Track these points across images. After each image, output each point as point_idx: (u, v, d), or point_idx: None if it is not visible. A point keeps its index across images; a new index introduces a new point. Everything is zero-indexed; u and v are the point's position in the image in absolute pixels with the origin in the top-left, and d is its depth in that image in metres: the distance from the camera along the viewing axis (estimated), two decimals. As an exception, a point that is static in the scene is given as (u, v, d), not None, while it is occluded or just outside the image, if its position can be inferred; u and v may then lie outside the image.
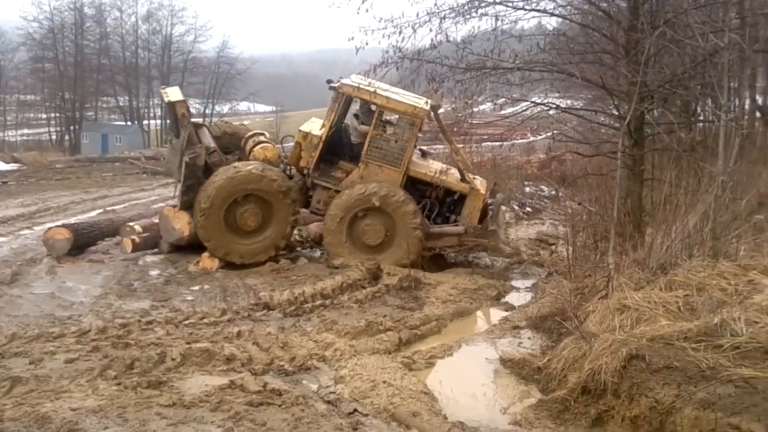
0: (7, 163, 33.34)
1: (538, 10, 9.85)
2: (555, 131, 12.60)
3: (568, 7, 10.52)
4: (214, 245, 12.03)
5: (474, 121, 11.40)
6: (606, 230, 12.31)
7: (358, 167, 12.71)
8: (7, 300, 9.91)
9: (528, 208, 22.89)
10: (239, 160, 12.88)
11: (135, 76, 60.18)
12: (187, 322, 8.69)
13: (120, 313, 9.29)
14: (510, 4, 9.95)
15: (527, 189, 25.98)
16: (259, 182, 12.04)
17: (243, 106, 70.89)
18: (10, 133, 59.64)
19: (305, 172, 12.93)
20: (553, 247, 15.98)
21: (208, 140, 12.93)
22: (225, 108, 66.15)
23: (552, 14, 10.06)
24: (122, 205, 20.13)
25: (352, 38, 9.71)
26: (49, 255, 12.46)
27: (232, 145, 13.61)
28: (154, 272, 11.73)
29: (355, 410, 6.01)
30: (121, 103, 62.24)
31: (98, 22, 59.74)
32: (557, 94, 12.08)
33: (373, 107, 12.56)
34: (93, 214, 17.94)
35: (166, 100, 12.78)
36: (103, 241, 13.68)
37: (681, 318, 6.49)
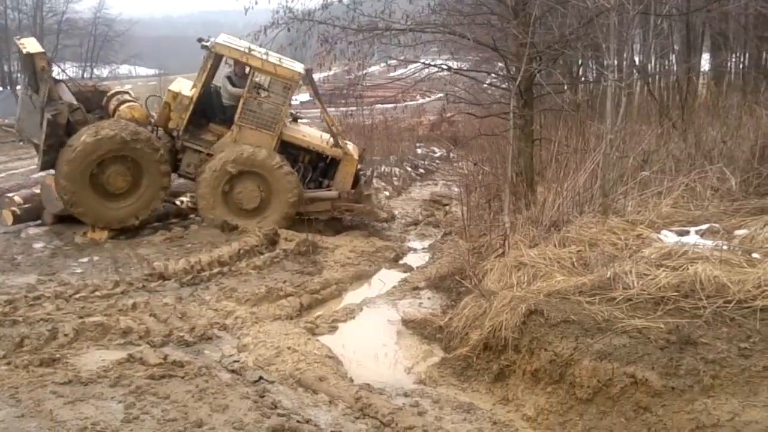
0: None
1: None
2: (446, 93, 12.68)
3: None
4: (82, 210, 11.45)
5: (367, 84, 11.31)
6: (499, 190, 12.65)
7: (231, 130, 12.35)
8: None
9: (421, 170, 23.10)
10: (101, 119, 12.21)
11: (5, 39, 56.43)
12: (78, 296, 8.33)
13: (4, 288, 8.81)
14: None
15: (419, 150, 26.20)
16: (129, 143, 11.39)
17: (124, 69, 67.98)
18: None
19: (174, 133, 12.44)
20: (447, 207, 16.26)
21: (69, 97, 12.07)
22: (105, 72, 63.23)
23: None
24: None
25: (240, -2, 9.42)
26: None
27: (92, 103, 12.80)
28: (38, 245, 11.15)
29: (261, 378, 5.96)
30: (-9, 67, 58.53)
31: (-39, -20, 55.76)
32: (447, 56, 12.19)
33: (248, 69, 12.24)
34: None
35: (24, 51, 11.72)
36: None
37: (575, 273, 6.71)
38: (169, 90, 12.67)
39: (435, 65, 10.45)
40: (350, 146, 13.58)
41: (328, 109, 12.82)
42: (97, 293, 8.48)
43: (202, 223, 12.15)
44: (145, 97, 13.78)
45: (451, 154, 26.10)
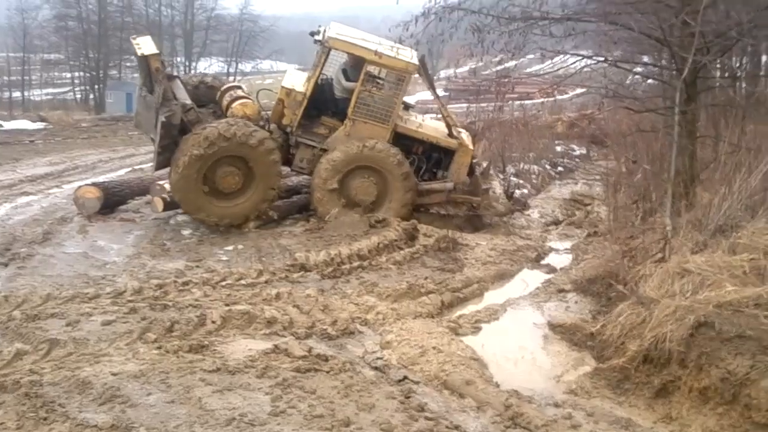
0: (34, 122, 33.16)
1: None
2: (597, 87, 12.06)
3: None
4: (191, 207, 11.52)
5: (515, 78, 10.90)
6: (647, 190, 11.99)
7: (344, 124, 12.22)
8: (40, 259, 9.73)
9: (560, 168, 22.36)
10: (214, 114, 12.38)
11: (158, 34, 59.34)
12: (224, 283, 8.46)
13: (154, 273, 9.07)
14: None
15: (558, 148, 25.40)
16: (242, 145, 11.34)
17: (266, 64, 70.09)
18: (35, 92, 59.60)
19: (288, 129, 12.41)
20: (589, 207, 15.61)
21: (184, 95, 12.12)
22: (248, 66, 65.56)
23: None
24: (150, 164, 19.87)
25: (392, -12, 9.27)
26: (79, 214, 12.25)
27: (208, 97, 13.02)
28: (186, 232, 11.50)
29: (406, 377, 5.77)
30: (144, 62, 61.81)
31: (121, -21, 59.17)
32: (590, 50, 11.52)
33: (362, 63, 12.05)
34: (122, 172, 17.71)
35: (138, 53, 11.83)
36: (133, 200, 13.43)
37: (748, 283, 6.12)
38: (282, 86, 12.62)
39: (593, 56, 9.90)
40: (464, 135, 13.22)
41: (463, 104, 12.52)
42: (242, 281, 8.58)
43: (337, 218, 12.06)
44: (257, 91, 13.78)
45: (591, 153, 25.26)
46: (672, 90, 10.25)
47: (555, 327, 7.56)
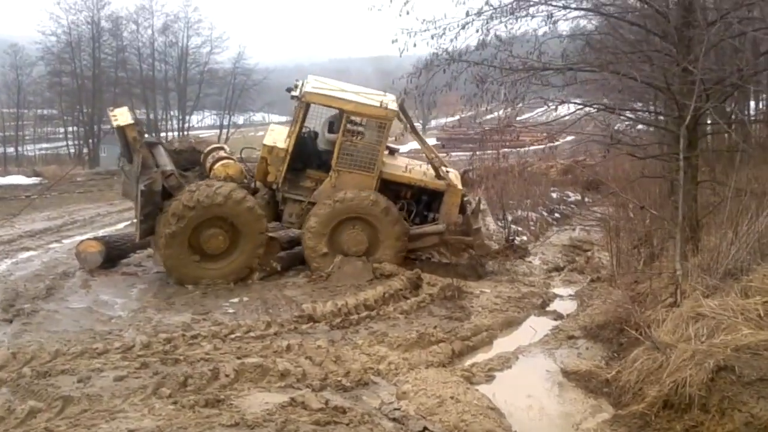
0: (29, 177, 33.26)
1: (593, 10, 9.51)
2: (597, 135, 12.17)
3: (616, 5, 10.19)
4: (189, 280, 11.35)
5: (519, 126, 11.02)
6: (648, 234, 12.05)
7: (329, 176, 12.21)
8: (45, 315, 9.66)
9: (556, 214, 22.49)
10: (200, 176, 12.26)
11: (152, 89, 60.13)
12: (233, 336, 8.43)
13: (161, 327, 9.01)
14: (558, 3, 9.61)
15: (553, 195, 25.58)
16: (211, 207, 11.25)
17: (258, 116, 70.70)
18: (28, 148, 59.77)
19: (274, 186, 12.41)
20: (589, 253, 15.66)
21: (165, 161, 11.97)
22: (241, 119, 66.07)
23: (605, 14, 9.71)
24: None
25: (395, 41, 9.43)
26: (81, 268, 12.20)
27: (192, 161, 12.96)
28: (190, 285, 11.44)
29: (425, 428, 5.72)
30: (138, 116, 62.19)
31: (115, 36, 59.65)
32: (583, 98, 11.66)
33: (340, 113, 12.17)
34: (120, 226, 17.67)
35: (114, 124, 11.76)
36: (134, 254, 13.40)
37: (764, 326, 6.13)
38: (264, 144, 12.64)
39: (593, 104, 10.04)
40: (452, 174, 13.24)
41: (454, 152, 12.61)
42: (251, 334, 8.54)
43: (341, 267, 12.01)
44: (240, 149, 13.75)
45: (586, 199, 25.45)
46: (670, 136, 10.41)
47: (569, 374, 7.53)
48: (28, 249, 14.51)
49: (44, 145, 60.15)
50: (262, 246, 11.74)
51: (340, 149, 12.10)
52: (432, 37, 9.35)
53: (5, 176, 33.39)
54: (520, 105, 9.95)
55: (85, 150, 55.00)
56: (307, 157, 12.65)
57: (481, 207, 14.52)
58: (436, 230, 12.65)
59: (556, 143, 32.06)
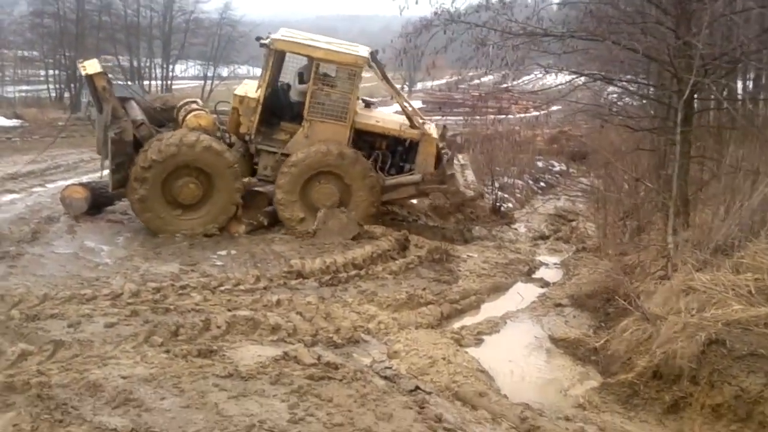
0: (9, 119, 32.71)
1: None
2: (591, 105, 12.13)
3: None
4: (154, 222, 11.32)
5: (516, 92, 10.94)
6: (635, 207, 12.10)
7: (302, 127, 12.06)
8: (30, 259, 9.56)
9: (542, 183, 22.56)
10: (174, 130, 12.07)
11: (136, 35, 58.86)
12: (222, 288, 8.40)
13: (149, 276, 8.97)
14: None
15: (539, 164, 25.62)
16: (192, 152, 11.22)
17: (243, 69, 69.85)
18: (8, 89, 58.65)
19: (246, 138, 12.24)
20: (574, 223, 15.74)
21: (136, 113, 11.91)
22: (225, 71, 65.17)
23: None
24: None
25: (395, -2, 9.28)
26: (66, 214, 12.06)
27: (166, 117, 12.74)
28: (177, 235, 11.35)
29: (417, 387, 5.73)
30: (122, 62, 61.26)
31: (100, -22, 58.64)
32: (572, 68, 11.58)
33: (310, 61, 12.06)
34: (105, 173, 17.44)
35: (83, 73, 11.65)
36: (120, 202, 13.23)
37: (755, 303, 6.19)
38: (235, 94, 12.49)
39: (590, 74, 9.99)
40: (430, 127, 13.10)
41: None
42: (241, 287, 8.52)
43: (325, 222, 11.91)
44: (215, 103, 13.60)
45: (571, 169, 25.52)
46: (663, 109, 10.41)
47: (557, 341, 7.61)
48: (11, 192, 14.30)
49: (24, 87, 58.92)
50: (238, 192, 11.60)
51: (312, 98, 11.92)
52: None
53: (-15, 117, 32.81)
54: (520, 69, 9.86)
55: (67, 94, 54.10)
56: (280, 108, 12.53)
57: (462, 161, 14.37)
58: (412, 180, 12.45)
59: (551, 110, 32.15)
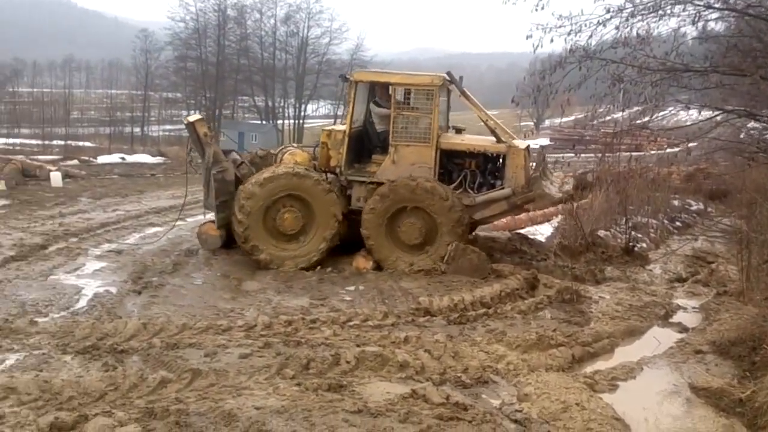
0: (153, 156, 34.79)
1: (740, 11, 8.99)
2: (727, 141, 11.59)
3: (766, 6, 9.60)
4: (258, 250, 11.70)
5: (654, 129, 10.59)
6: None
7: (388, 153, 12.13)
8: (170, 289, 10.08)
9: (677, 223, 21.63)
10: None
11: (272, 77, 61.81)
12: (351, 323, 8.49)
13: (281, 309, 9.23)
14: (701, 3, 9.16)
15: (675, 203, 24.61)
16: (292, 181, 11.74)
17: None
18: (153, 128, 62.61)
19: (337, 170, 12.45)
20: (713, 265, 14.96)
21: (237, 158, 12.88)
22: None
23: (754, 15, 9.16)
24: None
25: (530, 36, 9.22)
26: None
27: (266, 164, 13.22)
28: (308, 272, 11.60)
29: (549, 433, 5.54)
30: (257, 103, 64.08)
31: (239, 24, 61.79)
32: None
33: (389, 88, 12.35)
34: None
35: (185, 121, 12.74)
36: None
37: None
38: (323, 129, 12.99)
39: (734, 110, 9.55)
40: (516, 142, 12.78)
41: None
42: (369, 323, 8.59)
43: (455, 259, 11.80)
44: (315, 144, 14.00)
45: (709, 208, 24.37)
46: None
47: (697, 390, 7.16)
48: (154, 225, 15.15)
49: (167, 127, 62.89)
50: (336, 222, 11.86)
51: (394, 123, 12.09)
52: (568, 34, 9.10)
53: (132, 154, 35.01)
54: (658, 105, 9.54)
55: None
56: (370, 143, 12.82)
57: (549, 165, 13.98)
58: (502, 195, 12.25)
59: (689, 146, 30.95)
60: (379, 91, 12.80)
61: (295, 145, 14.14)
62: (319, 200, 11.79)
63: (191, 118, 12.58)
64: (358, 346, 7.45)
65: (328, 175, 12.66)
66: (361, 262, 11.82)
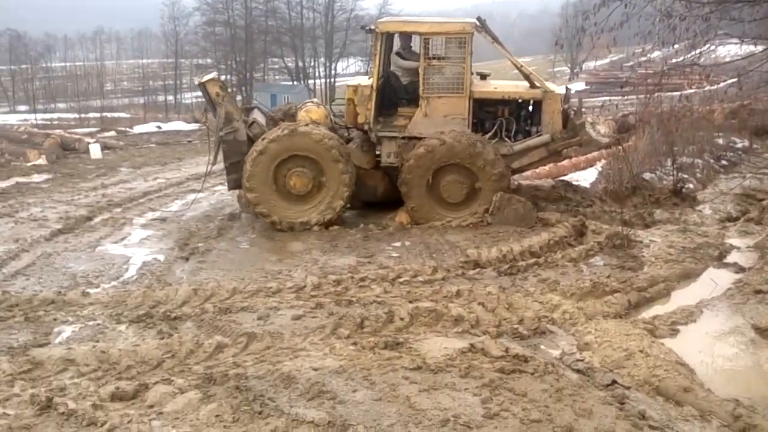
0: (188, 123, 34.84)
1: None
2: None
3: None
4: (266, 209, 11.40)
5: (706, 65, 10.19)
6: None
7: (419, 106, 11.72)
8: (217, 254, 10.09)
9: (723, 161, 21.05)
10: None
11: (300, 37, 61.37)
12: (400, 280, 8.38)
13: (328, 268, 9.15)
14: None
15: (719, 141, 23.97)
16: (293, 141, 11.27)
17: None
18: (186, 96, 62.75)
19: (366, 127, 12.00)
20: (764, 202, 14.55)
21: (256, 116, 12.37)
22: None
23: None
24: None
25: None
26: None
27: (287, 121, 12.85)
28: (351, 229, 11.52)
29: (614, 382, 5.40)
30: (288, 64, 63.78)
31: (265, -16, 61.27)
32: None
33: (418, 38, 11.83)
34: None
35: (197, 81, 12.39)
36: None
37: None
38: (348, 85, 12.49)
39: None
40: (550, 85, 12.45)
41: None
42: (419, 278, 8.47)
43: (500, 210, 11.59)
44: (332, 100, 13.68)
45: (755, 145, 23.71)
46: None
47: (762, 330, 6.97)
48: (195, 191, 15.15)
49: (200, 93, 62.91)
50: (347, 185, 11.51)
51: (425, 75, 11.68)
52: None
53: (167, 122, 35.11)
54: (709, 40, 9.17)
55: (239, 97, 56.96)
56: (395, 96, 12.35)
57: (591, 120, 13.63)
58: (541, 141, 11.95)
59: (727, 83, 30.07)
60: (402, 41, 12.48)
61: (315, 100, 13.65)
62: (325, 158, 11.40)
63: (203, 78, 12.25)
64: (410, 302, 7.37)
65: (351, 132, 12.41)
66: (404, 216, 11.67)
